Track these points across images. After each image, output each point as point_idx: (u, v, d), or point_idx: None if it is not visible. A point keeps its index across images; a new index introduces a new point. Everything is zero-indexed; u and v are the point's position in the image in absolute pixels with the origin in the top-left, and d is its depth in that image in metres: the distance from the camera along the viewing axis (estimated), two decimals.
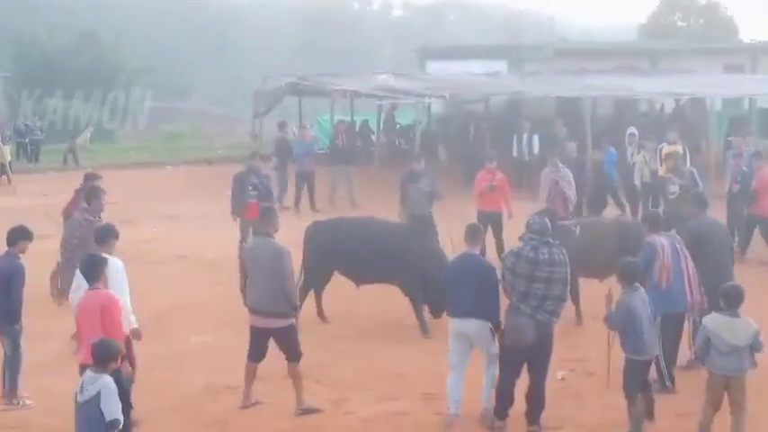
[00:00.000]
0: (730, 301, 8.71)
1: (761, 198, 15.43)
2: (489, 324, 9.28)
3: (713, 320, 8.72)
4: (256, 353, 9.85)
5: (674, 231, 10.70)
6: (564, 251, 9.19)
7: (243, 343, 11.38)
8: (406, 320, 12.78)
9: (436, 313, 12.31)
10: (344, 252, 12.73)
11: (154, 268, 15.56)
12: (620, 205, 19.69)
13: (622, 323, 9.04)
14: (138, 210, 21.24)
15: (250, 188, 16.11)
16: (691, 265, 10.09)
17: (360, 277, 12.97)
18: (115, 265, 9.13)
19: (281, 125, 24.18)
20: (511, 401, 9.26)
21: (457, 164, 25.86)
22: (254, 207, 16.12)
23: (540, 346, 9.06)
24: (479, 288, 9.23)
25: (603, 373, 9.85)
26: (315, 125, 31.08)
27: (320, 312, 12.94)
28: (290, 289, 9.69)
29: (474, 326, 9.32)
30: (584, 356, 11.17)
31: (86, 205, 11.95)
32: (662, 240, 10.04)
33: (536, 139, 24.12)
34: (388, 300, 12.77)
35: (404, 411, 9.84)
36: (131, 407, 8.60)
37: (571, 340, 11.63)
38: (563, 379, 10.57)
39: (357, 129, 30.29)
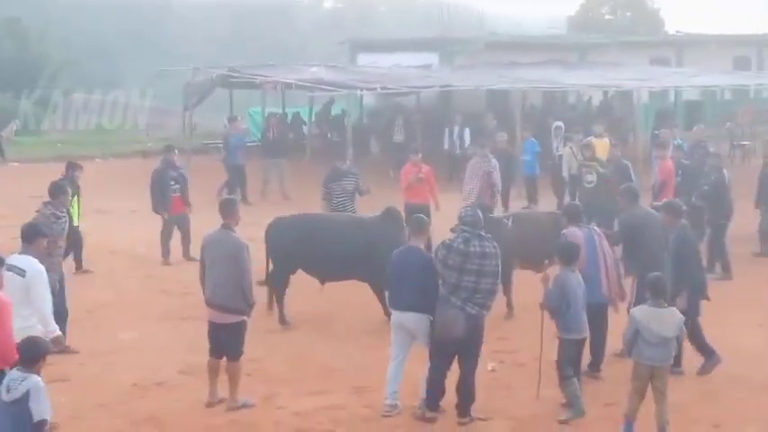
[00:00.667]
0: (656, 292, 8.90)
1: (665, 190, 15.55)
2: (429, 317, 9.35)
3: (641, 312, 8.89)
4: (216, 348, 9.70)
5: (593, 224, 10.88)
6: (495, 244, 9.28)
7: (172, 339, 11.37)
8: (337, 315, 12.82)
9: None
10: (309, 250, 12.43)
11: (84, 263, 15.35)
12: (531, 198, 20.10)
13: (558, 301, 9.28)
14: None
15: (171, 182, 16.06)
16: (610, 257, 10.23)
17: (325, 275, 12.71)
18: (35, 269, 8.78)
19: (231, 120, 23.92)
20: (442, 392, 9.34)
21: (388, 156, 25.95)
22: (177, 201, 16.13)
23: (470, 338, 9.14)
24: (421, 281, 9.31)
25: (534, 363, 9.97)
26: (246, 117, 30.90)
27: (282, 318, 12.57)
28: (247, 284, 9.53)
29: (414, 319, 9.40)
30: (515, 348, 11.31)
31: (51, 198, 11.45)
32: (578, 232, 10.19)
33: (467, 132, 24.29)
34: (320, 294, 12.77)
35: (336, 405, 9.87)
36: None
37: (501, 332, 11.76)
38: (493, 370, 10.67)
39: (289, 121, 30.19)
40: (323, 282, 12.81)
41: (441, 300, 9.16)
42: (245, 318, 9.64)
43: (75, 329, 10.67)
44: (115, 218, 19.84)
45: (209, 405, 9.66)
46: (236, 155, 21.96)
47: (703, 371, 10.42)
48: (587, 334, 9.62)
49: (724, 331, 9.98)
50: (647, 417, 8.89)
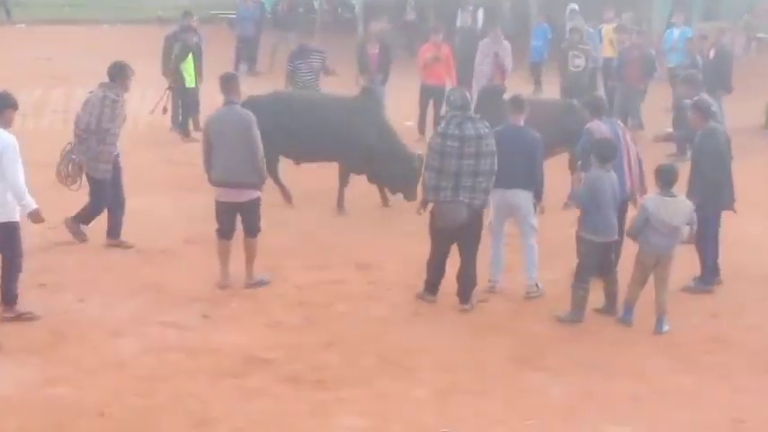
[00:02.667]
0: (666, 181, 8.84)
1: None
2: (533, 195, 9.49)
3: (652, 202, 8.85)
4: (227, 229, 9.61)
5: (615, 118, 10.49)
6: (488, 124, 9.13)
7: (177, 209, 11.42)
8: (336, 192, 12.80)
9: (410, 197, 11.80)
10: (283, 128, 11.86)
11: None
12: (537, 84, 19.89)
13: (588, 203, 9.06)
14: (72, 68, 20.73)
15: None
16: (633, 152, 9.85)
17: (299, 155, 12.42)
18: (3, 141, 8.26)
19: None
20: (441, 275, 9.39)
21: (399, 35, 25.58)
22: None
23: (470, 226, 9.12)
24: (529, 160, 9.36)
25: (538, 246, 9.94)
26: None
27: (285, 196, 12.35)
28: (259, 158, 9.37)
29: (521, 196, 9.49)
30: (517, 231, 11.30)
31: (110, 81, 10.41)
32: (602, 127, 9.78)
33: (481, 12, 23.86)
34: (322, 170, 12.69)
35: (338, 280, 9.96)
36: None
37: None
38: None
39: None
40: (298, 162, 12.56)
41: (440, 188, 9.06)
42: (259, 194, 9.57)
43: (81, 196, 10.64)
44: None
45: (222, 287, 9.57)
46: (246, 26, 21.67)
47: (689, 289, 9.84)
48: (615, 237, 9.22)
49: (727, 221, 9.92)
50: (644, 305, 8.98)
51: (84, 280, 9.66)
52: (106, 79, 10.39)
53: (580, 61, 15.82)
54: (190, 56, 15.59)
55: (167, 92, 15.49)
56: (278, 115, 11.83)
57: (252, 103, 11.99)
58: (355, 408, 7.38)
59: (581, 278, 9.10)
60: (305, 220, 11.77)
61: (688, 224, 8.87)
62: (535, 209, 9.62)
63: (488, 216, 9.62)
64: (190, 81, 15.63)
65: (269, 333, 8.68)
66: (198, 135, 15.50)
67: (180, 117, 15.97)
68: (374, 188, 12.53)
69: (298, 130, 12.00)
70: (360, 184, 12.87)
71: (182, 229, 11.07)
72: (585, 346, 8.64)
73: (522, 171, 9.37)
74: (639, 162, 9.95)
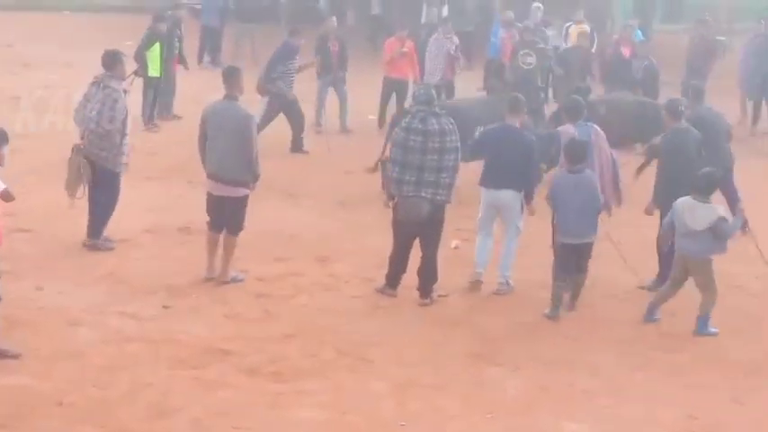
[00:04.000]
0: (700, 186, 8.85)
1: None
2: (522, 196, 9.49)
3: (683, 202, 8.89)
4: (217, 222, 9.56)
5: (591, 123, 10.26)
6: (452, 121, 9.18)
7: (136, 198, 11.35)
8: (304, 185, 12.82)
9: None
10: None
11: (45, 117, 15.08)
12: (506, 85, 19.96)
13: (551, 201, 9.24)
14: (34, 54, 20.56)
15: (176, 41, 15.88)
16: (606, 157, 9.80)
17: None
18: None
19: None
20: (403, 270, 9.43)
21: (364, 28, 25.61)
22: (176, 61, 15.98)
23: (432, 222, 9.17)
24: (520, 161, 9.35)
25: (498, 244, 10.01)
26: None
27: None
28: (255, 156, 9.33)
29: (509, 196, 9.52)
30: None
31: (106, 70, 10.14)
32: (570, 130, 9.78)
33: (446, 8, 23.94)
34: (281, 161, 12.67)
35: (298, 272, 9.98)
36: None
37: (467, 210, 11.83)
38: (456, 248, 10.80)
39: None
40: None
41: (403, 182, 9.09)
42: (248, 192, 9.51)
43: (38, 184, 10.57)
44: (82, 72, 19.52)
45: (209, 280, 9.54)
46: (211, 17, 21.59)
47: (647, 287, 9.79)
48: (581, 241, 9.22)
49: None
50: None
51: (43, 268, 9.61)
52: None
53: (531, 59, 15.94)
54: (157, 45, 15.46)
55: (132, 76, 15.34)
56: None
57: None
58: (313, 400, 7.41)
59: (554, 276, 9.24)
60: (265, 212, 11.75)
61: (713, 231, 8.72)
62: (523, 209, 9.67)
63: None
64: (153, 70, 15.49)
65: (228, 324, 8.69)
66: (162, 123, 15.52)
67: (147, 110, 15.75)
68: (338, 180, 12.55)
69: None
70: (320, 177, 12.93)
71: (141, 219, 11.02)
72: (543, 341, 8.73)
73: (513, 171, 9.39)
74: (615, 166, 9.95)
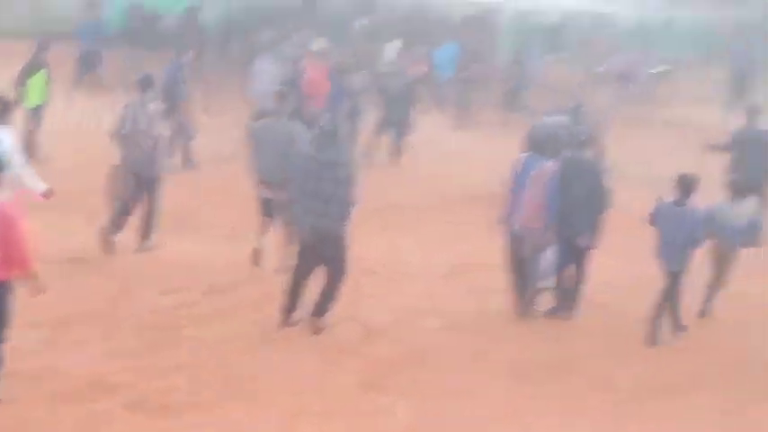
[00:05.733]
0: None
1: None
2: None
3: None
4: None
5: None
6: (348, 153, 9.30)
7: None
8: (197, 213, 12.68)
9: None
10: None
11: None
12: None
13: None
14: None
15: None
16: (540, 190, 9.76)
17: None
18: None
19: (90, 4, 22.81)
20: (297, 298, 9.40)
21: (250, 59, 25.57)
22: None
23: (329, 248, 9.21)
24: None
25: (383, 270, 10.12)
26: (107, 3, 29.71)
27: None
28: None
29: None
30: (364, 255, 11.46)
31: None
32: (521, 159, 9.97)
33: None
34: (173, 189, 12.52)
35: (186, 303, 9.88)
36: None
37: (355, 237, 11.91)
38: None
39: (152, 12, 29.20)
40: None
41: (300, 207, 9.18)
42: None
43: None
44: None
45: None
46: (87, 42, 21.20)
47: (546, 314, 10.18)
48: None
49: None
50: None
51: None
52: None
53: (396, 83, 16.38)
54: (40, 72, 15.03)
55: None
56: None
57: None
58: None
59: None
60: (157, 241, 11.62)
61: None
62: None
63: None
64: (33, 99, 15.01)
65: (114, 357, 8.53)
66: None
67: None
68: (231, 209, 12.46)
69: None
70: (212, 206, 12.83)
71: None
72: (431, 368, 8.82)
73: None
74: (551, 202, 9.82)
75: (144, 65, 21.53)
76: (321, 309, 9.37)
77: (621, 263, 11.52)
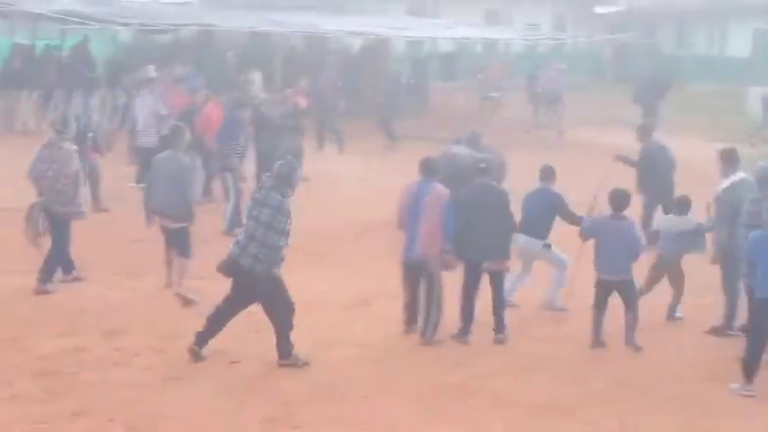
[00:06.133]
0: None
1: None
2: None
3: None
4: None
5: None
6: (289, 203, 9.18)
7: None
8: (89, 256, 12.38)
9: None
10: None
11: None
12: None
13: None
14: None
15: None
16: (436, 216, 9.68)
17: None
18: None
19: None
20: (216, 331, 9.30)
21: None
22: None
23: (256, 289, 9.16)
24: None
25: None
26: None
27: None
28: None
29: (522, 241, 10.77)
30: None
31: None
32: (414, 185, 9.97)
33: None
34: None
35: (84, 347, 9.61)
36: None
37: None
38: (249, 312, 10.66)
39: (38, 53, 28.67)
40: None
41: (237, 244, 9.17)
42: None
43: None
44: None
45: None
46: None
47: (455, 336, 10.13)
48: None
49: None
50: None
51: None
52: None
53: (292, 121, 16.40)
54: None
55: None
56: None
57: None
58: None
59: None
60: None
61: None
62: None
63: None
64: None
65: (8, 407, 8.24)
66: None
67: None
68: (122, 250, 12.27)
69: None
70: (104, 246, 12.57)
71: None
72: (337, 402, 8.70)
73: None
74: (444, 227, 9.79)
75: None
76: (283, 349, 9.29)
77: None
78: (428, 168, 10.13)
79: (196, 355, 9.26)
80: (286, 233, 9.11)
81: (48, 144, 11.38)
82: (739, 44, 38.58)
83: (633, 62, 36.51)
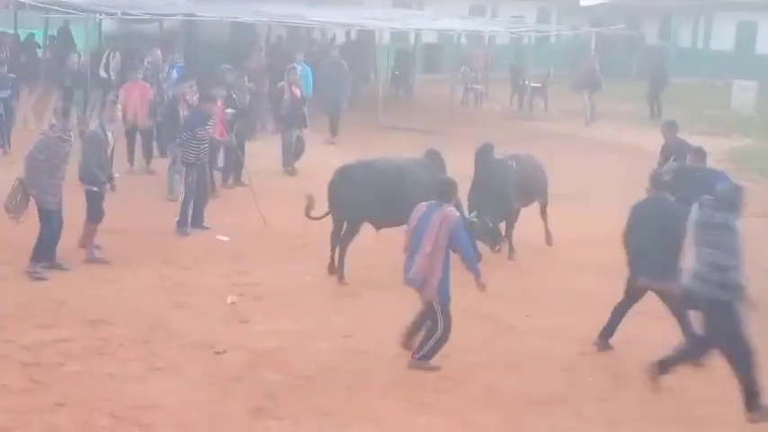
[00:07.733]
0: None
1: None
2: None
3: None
4: None
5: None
6: None
7: None
8: (71, 248, 12.33)
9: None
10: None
11: None
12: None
13: None
14: None
15: None
16: (443, 240, 9.01)
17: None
18: None
19: None
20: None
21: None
22: None
23: None
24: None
25: (271, 297, 9.99)
26: None
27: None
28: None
29: None
30: (255, 281, 11.33)
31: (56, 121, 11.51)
32: (423, 207, 9.28)
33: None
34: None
35: (67, 338, 9.58)
36: None
37: (242, 265, 11.77)
38: (233, 303, 10.67)
39: (22, 42, 28.53)
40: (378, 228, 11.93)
41: None
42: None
43: None
44: None
45: None
46: None
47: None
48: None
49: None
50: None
51: None
52: None
53: (230, 111, 16.11)
54: None
55: None
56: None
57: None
58: None
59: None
60: (27, 278, 11.24)
61: None
62: None
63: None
64: None
65: None
66: None
67: None
68: (105, 241, 12.20)
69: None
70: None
71: None
72: (321, 392, 8.71)
73: None
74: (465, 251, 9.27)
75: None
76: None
77: (515, 275, 11.65)
78: (443, 192, 9.37)
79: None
80: None
81: (46, 131, 11.54)
82: (723, 37, 38.69)
83: (618, 55, 36.63)
